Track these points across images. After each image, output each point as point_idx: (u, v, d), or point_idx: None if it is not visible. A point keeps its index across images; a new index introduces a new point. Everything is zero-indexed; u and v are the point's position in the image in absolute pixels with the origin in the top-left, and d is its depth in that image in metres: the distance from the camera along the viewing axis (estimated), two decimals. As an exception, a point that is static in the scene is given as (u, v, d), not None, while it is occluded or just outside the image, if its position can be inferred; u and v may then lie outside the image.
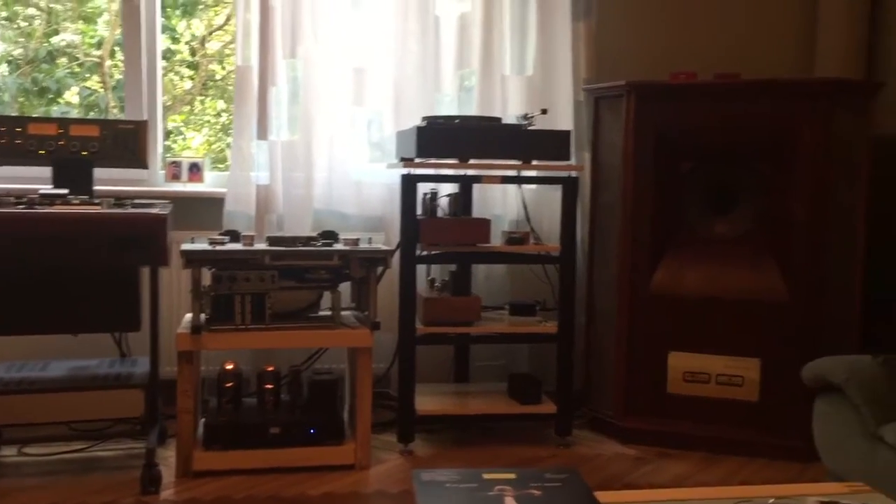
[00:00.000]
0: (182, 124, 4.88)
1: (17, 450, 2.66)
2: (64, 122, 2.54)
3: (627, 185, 2.86)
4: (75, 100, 4.47)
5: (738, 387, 2.78)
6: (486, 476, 1.30)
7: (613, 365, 2.92)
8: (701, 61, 3.14)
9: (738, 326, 2.79)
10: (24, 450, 2.66)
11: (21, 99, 4.28)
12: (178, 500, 2.30)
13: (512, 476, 1.30)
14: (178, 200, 3.02)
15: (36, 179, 2.77)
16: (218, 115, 5.03)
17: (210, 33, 4.81)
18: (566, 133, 2.80)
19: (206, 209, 3.11)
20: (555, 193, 3.07)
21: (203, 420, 2.58)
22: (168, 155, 3.31)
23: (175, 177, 3.13)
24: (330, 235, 2.68)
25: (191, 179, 3.14)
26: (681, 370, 2.84)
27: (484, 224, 2.76)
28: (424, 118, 2.81)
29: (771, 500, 1.19)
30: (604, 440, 2.93)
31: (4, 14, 4.19)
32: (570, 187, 2.77)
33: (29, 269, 2.44)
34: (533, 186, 3.19)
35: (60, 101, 4.42)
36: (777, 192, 2.77)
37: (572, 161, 2.86)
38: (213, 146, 4.79)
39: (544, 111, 2.85)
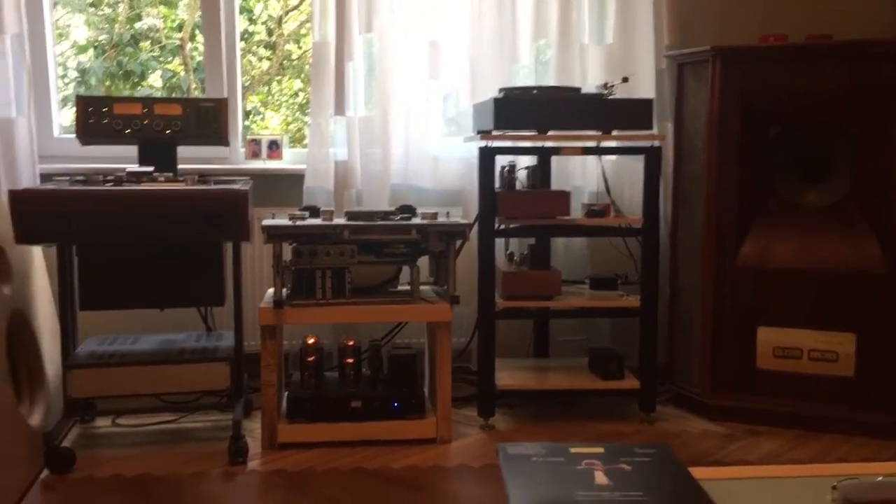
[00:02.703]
0: (260, 105, 4.95)
1: (111, 421, 2.75)
2: (148, 102, 2.59)
3: (712, 153, 2.76)
4: (158, 83, 4.58)
5: (832, 362, 2.67)
6: (573, 450, 1.27)
7: (699, 340, 2.84)
8: (789, 24, 3.00)
9: (831, 299, 2.67)
10: (117, 421, 2.75)
11: (107, 83, 4.41)
12: (265, 472, 2.34)
13: (600, 451, 1.27)
14: (258, 177, 3.06)
15: (121, 159, 2.85)
16: (294, 94, 5.08)
17: (286, 13, 4.85)
18: (648, 101, 2.71)
19: (285, 186, 3.14)
20: (636, 164, 2.99)
21: (286, 393, 2.62)
22: (247, 134, 3.35)
23: (255, 154, 3.17)
24: (408, 210, 2.67)
25: (270, 157, 3.17)
26: (771, 345, 2.74)
27: (563, 196, 2.71)
28: (501, 90, 2.77)
29: (879, 478, 1.12)
30: (689, 417, 2.86)
31: (90, 1, 4.31)
32: (652, 157, 2.69)
33: (118, 246, 2.51)
34: (613, 158, 3.11)
35: (144, 83, 4.53)
36: (871, 157, 2.63)
37: (654, 130, 2.77)
38: (291, 126, 4.85)
39: (625, 79, 2.77)
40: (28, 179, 2.88)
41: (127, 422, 2.74)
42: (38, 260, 2.71)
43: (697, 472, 1.22)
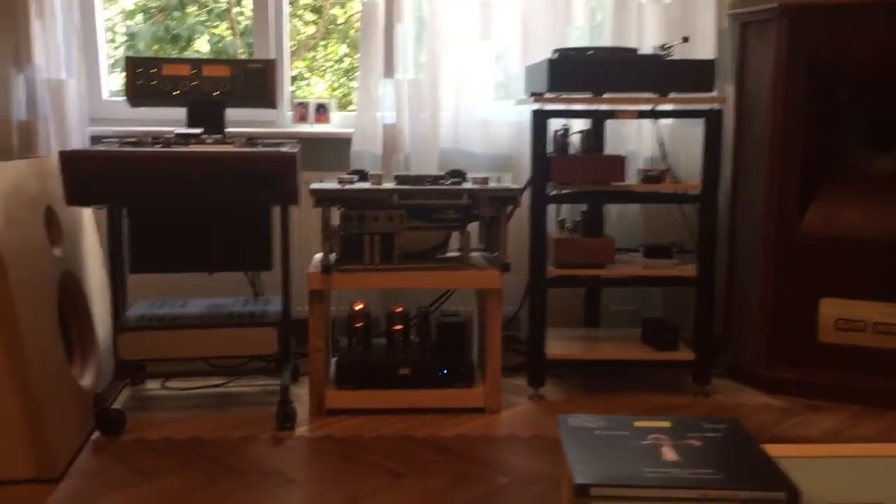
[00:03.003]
0: (305, 70, 4.91)
1: (161, 383, 2.76)
2: (197, 63, 2.56)
3: (776, 117, 2.64)
4: (205, 47, 4.56)
5: (900, 336, 2.56)
6: (637, 424, 1.21)
7: (757, 311, 2.75)
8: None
9: (899, 271, 2.55)
10: (166, 384, 2.76)
11: (155, 47, 4.40)
12: (313, 437, 2.32)
13: (666, 424, 1.21)
14: (306, 141, 3.01)
15: (170, 121, 2.83)
16: (340, 60, 5.03)
17: (334, -26, 4.78)
18: (709, 62, 2.60)
19: (332, 149, 3.09)
20: (693, 128, 2.88)
21: (334, 359, 2.59)
22: (294, 98, 3.31)
23: (302, 118, 3.13)
24: (458, 174, 2.61)
25: (317, 120, 3.13)
26: (833, 318, 2.64)
27: (618, 161, 2.62)
28: (555, 51, 2.68)
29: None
30: (745, 390, 2.77)
31: (138, -37, 4.29)
32: (713, 121, 2.58)
33: (167, 209, 2.49)
34: (669, 122, 3.00)
35: (191, 48, 4.51)
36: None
37: (715, 93, 2.65)
38: (336, 91, 4.80)
39: (685, 39, 2.65)
40: (78, 141, 2.87)
41: (176, 384, 2.75)
42: (88, 222, 2.72)
43: (776, 450, 1.15)
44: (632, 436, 1.17)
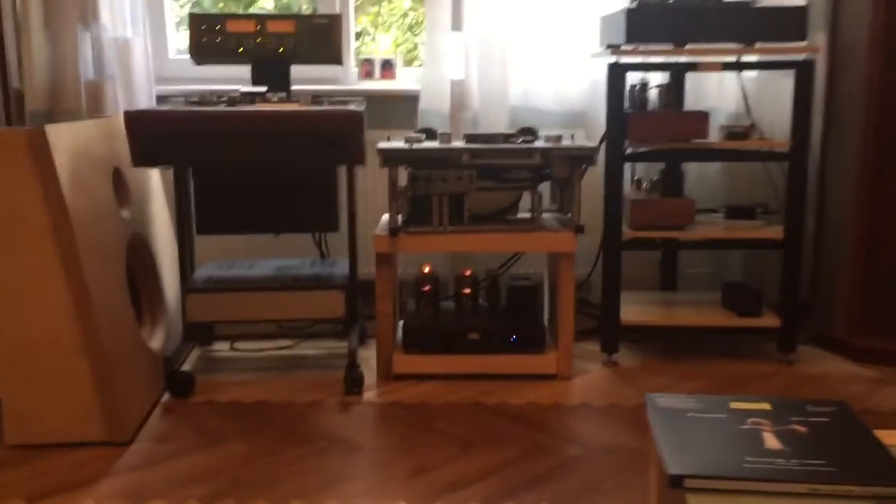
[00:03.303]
0: (370, 25, 4.80)
1: (229, 345, 2.75)
2: (261, 19, 2.49)
3: (874, 69, 2.45)
4: (269, 4, 4.49)
5: None
6: (734, 405, 1.12)
7: (848, 276, 2.59)
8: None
9: None
10: (235, 345, 2.75)
11: (220, 4, 4.34)
12: (382, 403, 2.28)
13: (766, 407, 1.11)
14: (371, 99, 2.94)
15: (235, 79, 2.78)
16: (405, 14, 4.91)
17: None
18: (801, 8, 2.41)
19: (399, 107, 3.01)
20: (780, 81, 2.71)
21: (402, 323, 2.54)
22: (359, 55, 3.22)
23: (367, 75, 3.05)
24: (529, 132, 2.50)
25: (383, 77, 3.04)
26: (932, 283, 2.47)
27: (701, 118, 2.47)
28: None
29: None
30: (831, 358, 2.63)
31: (201, -83, 4.22)
32: (804, 72, 2.41)
33: (233, 170, 2.45)
34: (754, 74, 2.83)
35: (256, 4, 4.45)
36: None
37: (806, 42, 2.47)
38: (401, 47, 4.69)
39: (775, -16, 2.47)
40: (145, 101, 2.85)
41: (244, 346, 2.74)
42: (155, 184, 2.70)
43: (884, 437, 1.04)
44: (729, 419, 1.08)
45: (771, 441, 1.02)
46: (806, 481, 0.92)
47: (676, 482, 0.92)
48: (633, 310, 2.64)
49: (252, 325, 2.59)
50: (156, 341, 2.41)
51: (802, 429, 1.05)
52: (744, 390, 2.36)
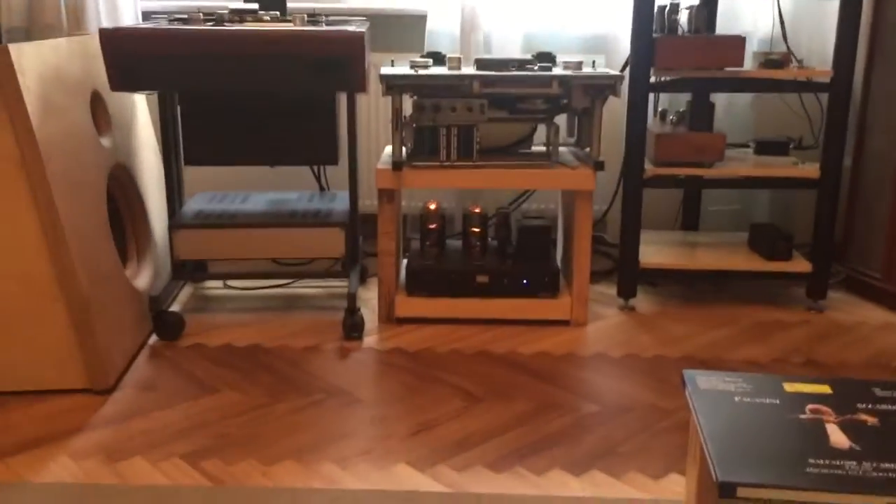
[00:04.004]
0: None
1: (223, 283, 2.60)
2: (251, -73, 2.25)
3: (931, -10, 2.21)
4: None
5: None
6: (788, 388, 0.95)
7: (887, 217, 2.40)
8: None
9: None
10: (228, 283, 2.60)
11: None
12: (382, 350, 2.13)
13: (826, 390, 0.94)
14: (375, 18, 2.72)
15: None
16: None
17: None
18: (854, -79, 2.17)
19: (405, 28, 2.78)
20: (820, 4, 2.47)
21: (405, 262, 2.37)
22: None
23: (372, -8, 2.81)
24: (547, 58, 2.28)
25: (388, -6, 2.80)
26: (980, 229, 2.28)
27: (737, 43, 2.23)
28: None
29: None
30: (864, 305, 2.47)
31: None
32: (853, -6, 2.17)
33: (223, 96, 2.25)
34: (793, -4, 2.59)
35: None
36: None
37: (856, -40, 2.23)
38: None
39: None
40: (130, 17, 2.64)
41: (238, 284, 2.59)
42: (141, 110, 2.50)
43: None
44: (784, 406, 0.91)
45: (836, 436, 0.85)
46: (885, 493, 0.76)
47: (728, 491, 0.77)
48: (653, 251, 2.47)
49: (247, 262, 2.43)
50: (142, 279, 2.25)
51: (872, 419, 0.89)
52: (771, 340, 2.20)
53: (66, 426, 1.73)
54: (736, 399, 0.93)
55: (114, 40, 1.94)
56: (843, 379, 0.98)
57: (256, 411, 1.81)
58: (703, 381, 0.97)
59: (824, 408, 0.91)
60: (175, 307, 2.39)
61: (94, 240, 1.95)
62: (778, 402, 0.92)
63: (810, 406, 0.91)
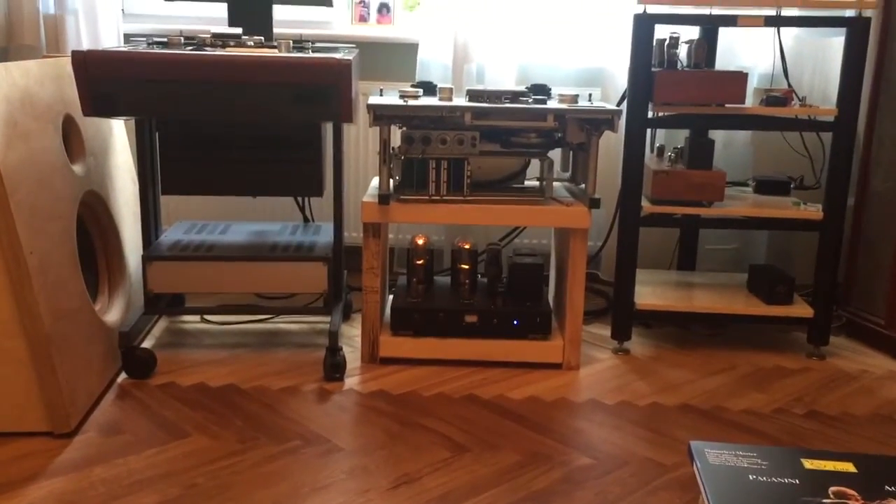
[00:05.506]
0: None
1: (200, 317, 2.49)
2: (237, -51, 2.17)
3: (937, 28, 2.15)
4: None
5: None
6: (808, 464, 0.85)
7: (892, 260, 2.31)
8: None
9: None
10: (205, 317, 2.49)
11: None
12: (364, 392, 2.02)
13: (850, 468, 0.85)
14: (365, 46, 2.64)
15: (214, 20, 2.48)
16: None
17: None
18: (859, -43, 2.11)
19: (395, 57, 2.71)
20: (823, 41, 2.41)
21: (391, 299, 2.27)
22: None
23: (362, 19, 2.74)
24: (541, 90, 2.20)
25: (379, 22, 2.73)
26: None
27: (739, 79, 2.16)
28: (666, -60, 2.21)
29: None
30: (867, 352, 2.38)
31: None
32: (858, 30, 2.11)
33: (203, 124, 2.16)
34: (793, 32, 2.53)
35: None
36: None
37: (861, -4, 2.16)
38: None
39: (830, -73, 2.15)
40: (111, 40, 2.55)
41: (216, 318, 2.47)
42: (119, 135, 2.40)
43: None
44: (805, 488, 0.81)
45: (866, 526, 0.75)
46: None
47: None
48: (648, 292, 2.38)
49: (227, 295, 2.32)
50: (113, 314, 2.14)
51: (904, 505, 0.79)
52: (772, 388, 2.10)
53: (21, 473, 1.61)
54: (750, 477, 0.83)
55: (86, 63, 1.84)
56: (867, 456, 0.88)
57: (228, 459, 1.69)
58: (714, 455, 0.87)
59: (850, 491, 0.81)
60: (147, 343, 2.28)
61: (61, 273, 1.84)
62: (797, 482, 0.82)
63: (833, 489, 0.81)
